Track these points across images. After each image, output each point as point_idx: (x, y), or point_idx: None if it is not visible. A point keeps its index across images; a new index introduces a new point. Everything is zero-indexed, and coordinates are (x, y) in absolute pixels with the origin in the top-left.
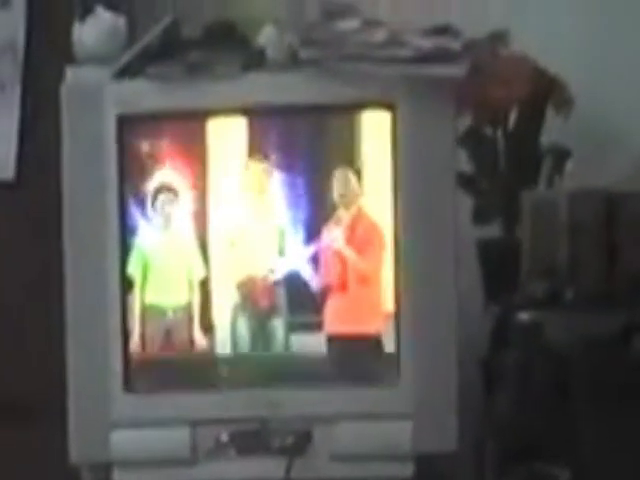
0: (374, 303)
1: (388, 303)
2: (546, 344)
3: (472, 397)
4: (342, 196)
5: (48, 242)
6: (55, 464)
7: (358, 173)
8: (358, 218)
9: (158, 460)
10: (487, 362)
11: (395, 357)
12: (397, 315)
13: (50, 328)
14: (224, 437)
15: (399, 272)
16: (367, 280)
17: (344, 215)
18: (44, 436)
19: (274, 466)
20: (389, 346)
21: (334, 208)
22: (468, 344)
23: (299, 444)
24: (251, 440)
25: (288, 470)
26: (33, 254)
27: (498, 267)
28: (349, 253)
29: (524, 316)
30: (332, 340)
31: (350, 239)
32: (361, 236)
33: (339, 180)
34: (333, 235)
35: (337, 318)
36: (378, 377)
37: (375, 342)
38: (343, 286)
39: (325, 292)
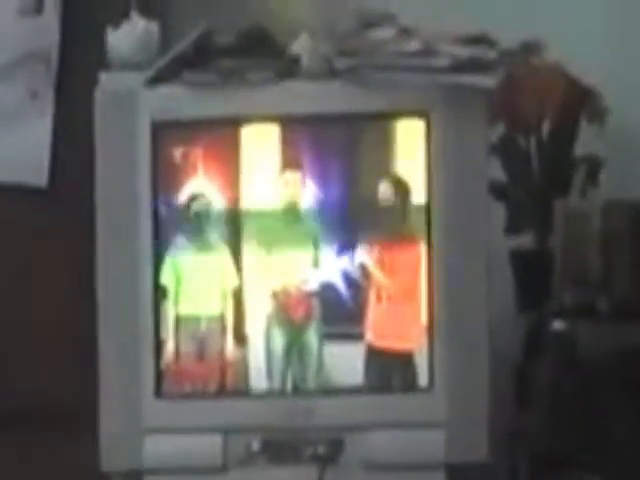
0: (409, 316)
1: (422, 313)
2: (578, 354)
3: (504, 406)
4: (383, 210)
5: (81, 249)
6: (87, 471)
7: (400, 185)
8: (398, 234)
9: (189, 467)
10: (519, 372)
11: (428, 366)
12: (430, 325)
13: (82, 335)
14: (256, 445)
15: (432, 281)
16: (401, 296)
17: (380, 232)
18: (75, 443)
19: (306, 475)
20: (422, 355)
21: (371, 220)
22: (500, 354)
23: (331, 453)
24: (283, 448)
25: (320, 479)
26: (66, 261)
27: (531, 277)
28: (377, 273)
29: (557, 326)
30: (366, 350)
31: (381, 258)
32: (397, 254)
33: (381, 194)
34: (364, 252)
35: (371, 330)
36: (411, 386)
37: (409, 352)
38: (377, 299)
39: (359, 304)
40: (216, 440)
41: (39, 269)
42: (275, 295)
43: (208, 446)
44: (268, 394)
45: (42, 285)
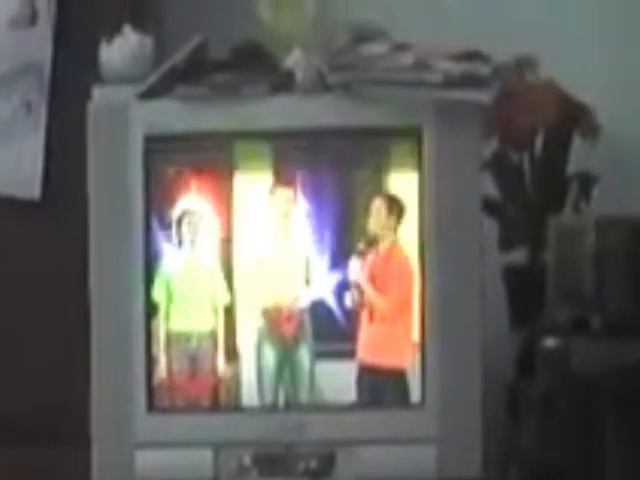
0: (401, 333)
1: (415, 329)
2: (571, 371)
3: (497, 423)
4: (377, 228)
5: (73, 262)
6: None
7: (393, 201)
8: (391, 251)
9: None
10: (512, 388)
11: (420, 382)
12: (423, 340)
13: (75, 349)
14: (247, 460)
15: (425, 297)
16: (393, 313)
17: (374, 248)
18: (68, 456)
19: None
20: (414, 371)
21: (363, 237)
22: (493, 370)
23: (323, 468)
24: (274, 463)
25: None
26: (58, 274)
27: (524, 293)
28: (369, 291)
29: (549, 342)
30: (358, 368)
31: (373, 276)
32: (389, 271)
33: (375, 212)
34: (356, 270)
35: (363, 347)
36: (403, 402)
37: (401, 369)
38: (369, 316)
39: (351, 321)
40: (208, 455)
41: (31, 282)
42: (266, 312)
43: (200, 460)
44: (260, 409)
45: (34, 299)
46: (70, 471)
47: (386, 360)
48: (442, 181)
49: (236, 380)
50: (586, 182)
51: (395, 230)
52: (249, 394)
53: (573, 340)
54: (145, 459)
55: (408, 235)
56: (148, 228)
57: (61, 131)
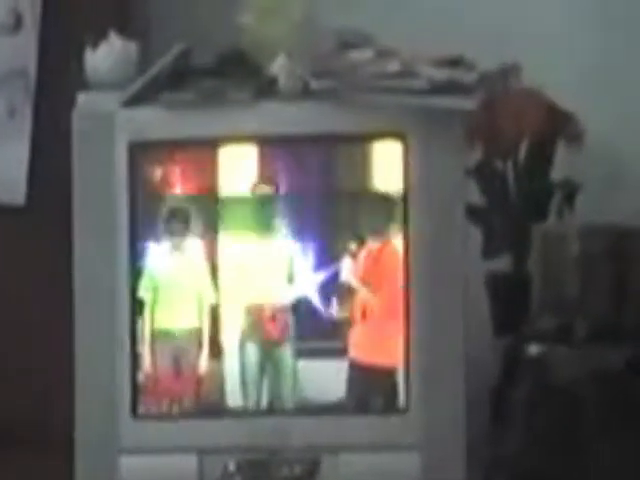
0: (393, 332)
1: (399, 335)
2: (555, 378)
3: (480, 429)
4: (370, 227)
5: (58, 267)
6: None
7: (377, 206)
8: (383, 249)
9: None
10: (496, 395)
11: (404, 388)
12: (406, 347)
13: (59, 352)
14: (232, 466)
15: (409, 304)
16: (379, 313)
17: (365, 247)
18: (51, 462)
19: None
20: (398, 377)
21: (354, 237)
22: (477, 377)
23: (307, 474)
24: (259, 469)
25: None
26: (43, 279)
27: (508, 301)
28: (360, 288)
29: (533, 350)
30: (348, 368)
31: (364, 273)
32: (380, 270)
33: (368, 211)
34: (345, 268)
35: (355, 346)
36: (387, 407)
37: (385, 373)
38: (361, 315)
39: (339, 320)
40: (192, 460)
41: (16, 288)
42: (249, 311)
43: (184, 466)
44: (243, 413)
45: (20, 304)
46: (54, 477)
47: (378, 359)
48: (426, 188)
49: (220, 380)
50: (570, 190)
51: (385, 230)
52: (233, 395)
53: (556, 347)
54: (129, 465)
55: (394, 239)
56: (134, 229)
57: (46, 137)
